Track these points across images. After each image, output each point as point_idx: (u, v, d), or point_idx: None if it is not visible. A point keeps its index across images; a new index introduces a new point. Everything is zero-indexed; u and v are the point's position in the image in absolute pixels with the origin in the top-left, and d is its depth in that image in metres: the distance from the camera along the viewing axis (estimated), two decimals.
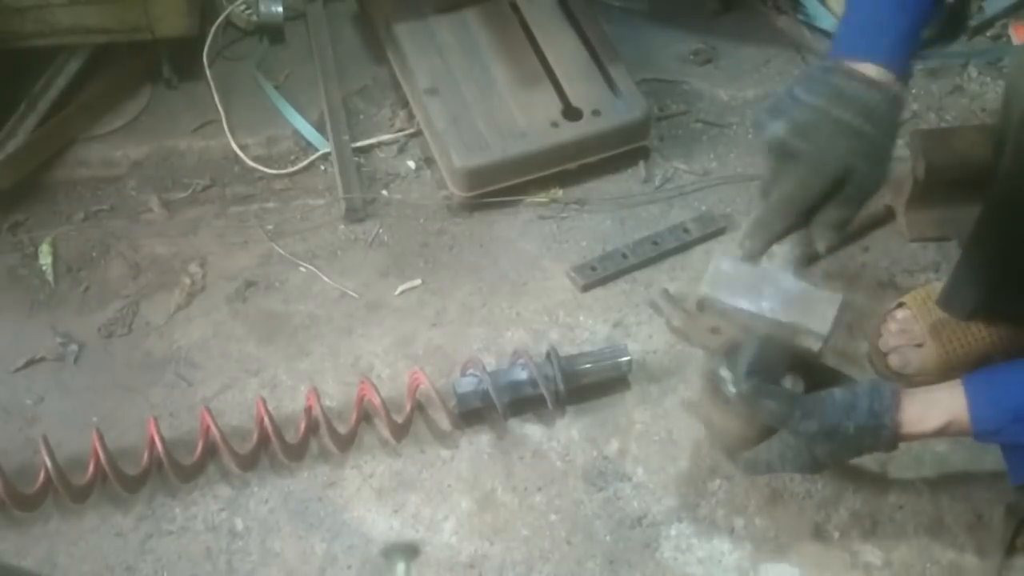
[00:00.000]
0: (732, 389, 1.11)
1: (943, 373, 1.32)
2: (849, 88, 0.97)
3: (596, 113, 1.57)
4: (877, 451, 1.05)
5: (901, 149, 1.31)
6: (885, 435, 1.03)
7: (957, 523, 1.22)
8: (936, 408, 1.03)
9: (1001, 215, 1.16)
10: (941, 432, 1.04)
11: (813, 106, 0.97)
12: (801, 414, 1.04)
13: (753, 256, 1.03)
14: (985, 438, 1.04)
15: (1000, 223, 1.17)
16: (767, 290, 1.03)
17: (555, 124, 1.56)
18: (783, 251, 1.03)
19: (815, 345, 1.03)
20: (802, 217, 1.01)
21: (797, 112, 0.98)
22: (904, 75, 1.00)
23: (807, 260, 1.04)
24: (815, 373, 1.10)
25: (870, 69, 0.98)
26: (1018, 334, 1.32)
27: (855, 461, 1.27)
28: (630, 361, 1.33)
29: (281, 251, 1.52)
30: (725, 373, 1.11)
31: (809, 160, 0.98)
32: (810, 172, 0.98)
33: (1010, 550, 1.20)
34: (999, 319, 1.30)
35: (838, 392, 1.05)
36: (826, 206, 1.00)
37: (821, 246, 1.02)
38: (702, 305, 1.07)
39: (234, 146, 1.64)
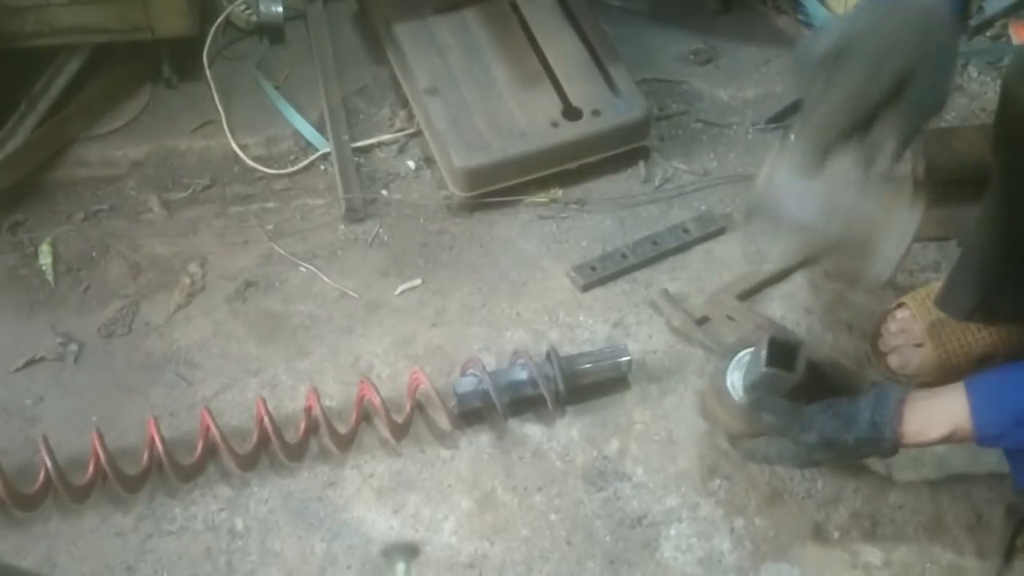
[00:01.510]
0: (735, 397, 1.12)
1: (943, 373, 1.32)
2: (899, 6, 0.90)
3: (596, 113, 1.57)
4: (877, 457, 1.06)
5: None
6: (885, 447, 1.04)
7: (957, 523, 1.22)
8: (939, 417, 1.03)
9: (999, 215, 1.16)
10: (944, 440, 1.04)
11: (871, 10, 0.90)
12: (801, 427, 1.04)
13: (810, 166, 0.91)
14: (989, 443, 1.04)
15: (998, 223, 1.17)
16: (832, 198, 0.89)
17: (555, 124, 1.56)
18: (843, 162, 0.89)
19: (886, 273, 0.90)
20: (864, 120, 0.90)
21: (849, 24, 0.90)
22: (962, 7, 0.94)
23: (874, 172, 0.91)
24: (826, 381, 1.10)
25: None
26: (1018, 334, 1.32)
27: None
28: (630, 361, 1.33)
29: (281, 251, 1.52)
30: (731, 379, 1.12)
31: (873, 52, 0.88)
32: (876, 64, 0.89)
33: (1010, 550, 1.20)
34: (997, 320, 1.30)
35: (839, 403, 1.05)
36: (888, 111, 0.90)
37: (885, 156, 0.91)
38: (751, 214, 0.93)
39: (234, 146, 1.64)
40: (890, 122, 0.89)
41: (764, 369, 1.06)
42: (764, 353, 1.06)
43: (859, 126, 0.90)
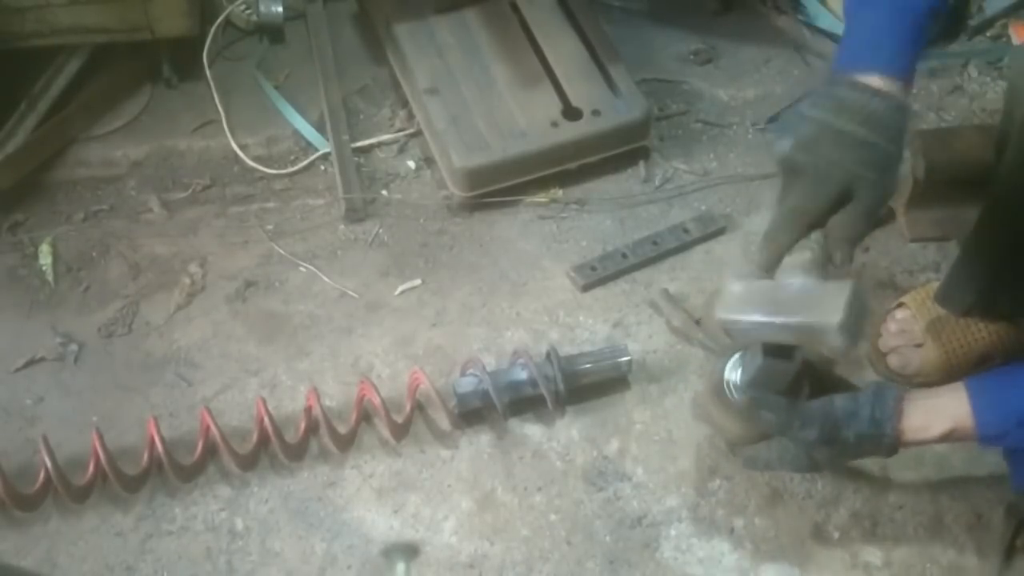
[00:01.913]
0: (734, 395, 1.11)
1: (943, 373, 1.32)
2: (851, 99, 0.98)
3: (596, 113, 1.57)
4: (878, 456, 1.05)
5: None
6: (886, 443, 1.03)
7: (957, 523, 1.22)
8: (939, 414, 1.03)
9: (1001, 213, 1.17)
10: (944, 438, 1.03)
11: (816, 120, 0.98)
12: (800, 424, 1.04)
13: (765, 268, 1.02)
14: (989, 443, 1.04)
15: (1000, 221, 1.17)
16: (780, 298, 1.01)
17: (555, 124, 1.56)
18: (793, 259, 1.01)
19: (838, 341, 0.97)
20: (811, 229, 1.01)
21: (802, 127, 0.99)
22: (908, 80, 1.00)
23: (822, 270, 1.01)
24: (824, 380, 1.10)
25: (874, 80, 0.98)
26: (1018, 333, 1.32)
27: (855, 461, 1.27)
28: (630, 361, 1.33)
29: (281, 251, 1.52)
30: (729, 379, 1.12)
31: (814, 172, 0.98)
32: (815, 184, 0.98)
33: (1010, 550, 1.20)
34: (996, 316, 1.30)
35: (839, 399, 1.05)
36: (838, 218, 1.00)
37: (837, 259, 1.02)
38: (725, 328, 1.05)
39: (234, 146, 1.64)
40: (839, 228, 0.99)
41: (761, 360, 1.06)
42: (761, 344, 1.06)
43: (805, 233, 1.00)
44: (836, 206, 0.99)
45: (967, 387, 1.03)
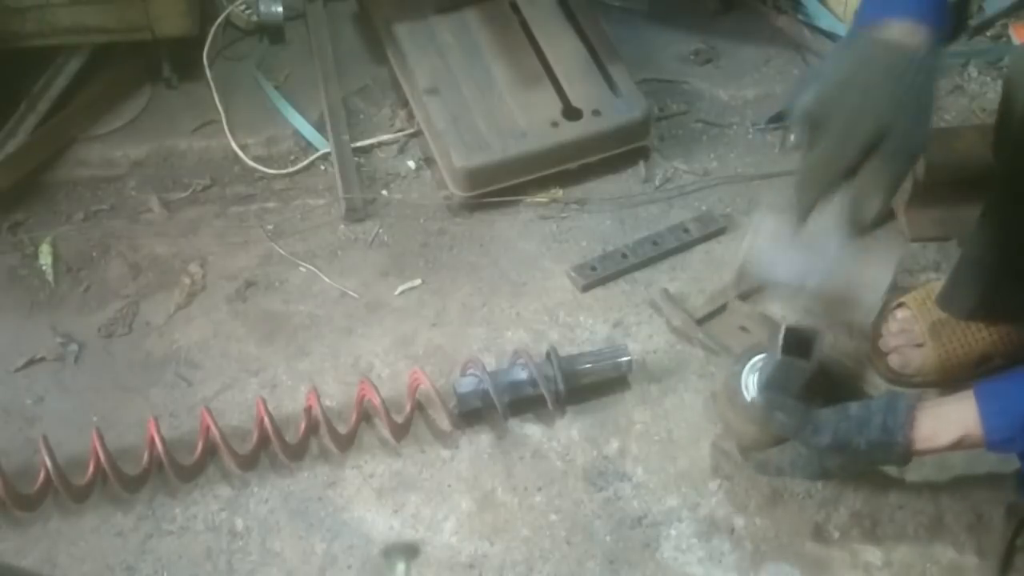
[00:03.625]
0: (748, 397, 1.11)
1: (943, 373, 1.32)
2: (879, 48, 0.93)
3: (596, 113, 1.57)
4: (889, 465, 1.05)
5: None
6: (898, 451, 1.03)
7: (957, 523, 1.22)
8: (949, 422, 1.03)
9: (1001, 215, 1.16)
10: (955, 446, 1.03)
11: (839, 71, 0.93)
12: (813, 428, 1.04)
13: (798, 220, 0.96)
14: (998, 448, 1.04)
15: (1000, 223, 1.17)
16: (811, 258, 0.94)
17: (555, 124, 1.56)
18: (830, 213, 0.94)
19: (867, 319, 0.96)
20: (842, 178, 0.94)
21: (826, 78, 0.94)
22: (942, 29, 0.94)
23: (857, 226, 0.95)
24: (838, 389, 1.10)
25: (894, 28, 0.93)
26: (1019, 334, 1.32)
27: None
28: (630, 361, 1.33)
29: (281, 251, 1.52)
30: (744, 381, 1.11)
31: (842, 122, 0.92)
32: (844, 131, 0.92)
33: (1010, 550, 1.20)
34: (999, 319, 1.30)
35: (852, 407, 1.05)
36: (869, 166, 0.92)
37: (869, 209, 0.94)
38: (742, 273, 1.01)
39: (234, 146, 1.64)
40: (870, 175, 0.92)
41: (780, 357, 1.06)
42: (780, 341, 1.06)
43: (837, 184, 0.93)
44: (870, 150, 0.92)
45: (975, 393, 1.03)
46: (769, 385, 1.10)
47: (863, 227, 0.94)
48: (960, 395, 1.04)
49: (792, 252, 0.96)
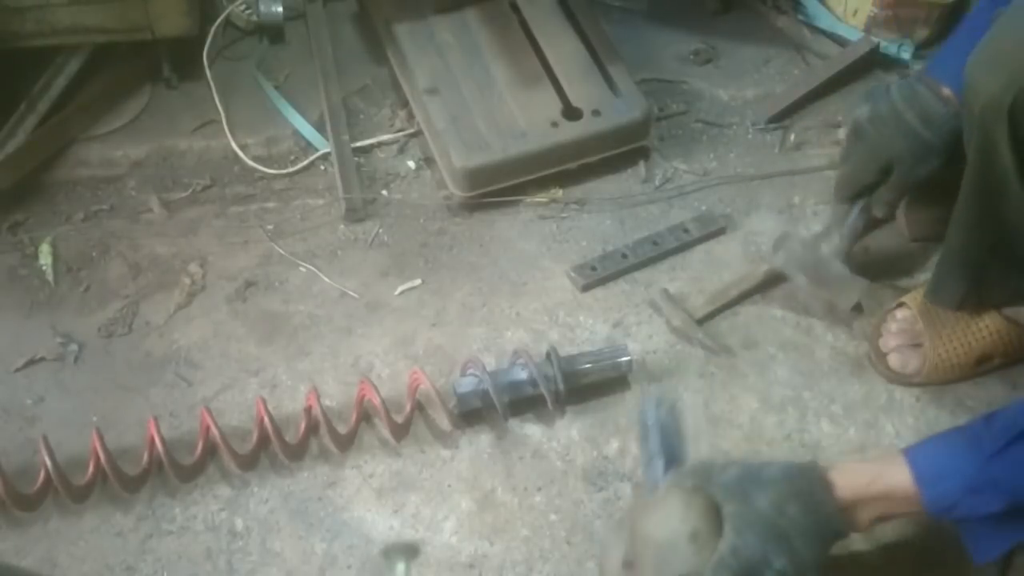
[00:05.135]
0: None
1: (943, 373, 1.32)
2: (923, 97, 1.25)
3: (596, 113, 1.57)
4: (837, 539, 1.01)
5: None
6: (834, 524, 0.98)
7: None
8: (873, 475, 0.98)
9: (975, 203, 1.16)
10: (884, 503, 0.98)
11: (892, 102, 1.26)
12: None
13: (837, 215, 1.38)
14: (938, 513, 0.98)
15: (975, 212, 1.17)
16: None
17: (555, 124, 1.56)
18: (833, 243, 1.38)
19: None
20: (865, 190, 1.33)
21: (879, 103, 1.27)
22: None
23: (865, 230, 1.40)
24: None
25: (946, 90, 1.24)
26: (1018, 332, 1.32)
27: (854, 456, 1.27)
28: (630, 361, 1.33)
29: (281, 251, 1.52)
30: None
31: (870, 145, 1.29)
32: (866, 158, 1.30)
33: (1011, 550, 1.19)
34: (990, 304, 1.30)
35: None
36: (882, 184, 1.31)
37: (877, 213, 1.35)
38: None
39: (234, 146, 1.64)
40: (880, 193, 1.33)
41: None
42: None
43: (860, 192, 1.35)
44: (882, 176, 1.30)
45: (906, 456, 0.98)
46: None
47: (874, 228, 1.44)
48: (888, 457, 0.99)
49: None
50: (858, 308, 1.40)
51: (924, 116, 1.24)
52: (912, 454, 0.98)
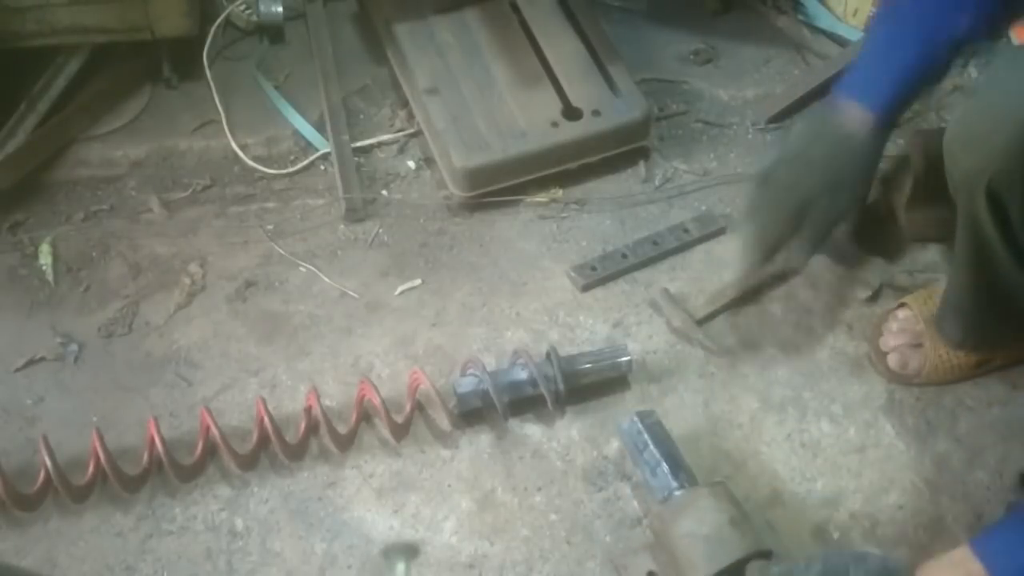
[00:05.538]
0: None
1: (943, 374, 1.32)
2: (829, 127, 1.15)
3: (596, 113, 1.57)
4: None
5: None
6: None
7: (957, 523, 1.22)
8: None
9: (965, 262, 1.17)
10: None
11: (793, 145, 1.17)
12: None
13: (746, 271, 1.29)
14: None
15: (966, 270, 1.18)
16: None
17: (555, 124, 1.56)
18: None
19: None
20: (779, 244, 1.21)
21: (781, 150, 1.18)
22: (886, 117, 1.14)
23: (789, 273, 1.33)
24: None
25: (855, 109, 1.13)
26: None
27: (854, 456, 1.27)
28: (630, 361, 1.33)
29: (281, 251, 1.52)
30: None
31: (778, 192, 1.18)
32: (777, 205, 1.18)
33: None
34: (986, 349, 1.31)
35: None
36: (799, 230, 1.19)
37: (794, 263, 1.25)
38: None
39: (234, 146, 1.64)
40: (801, 232, 1.20)
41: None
42: None
43: (774, 248, 1.22)
44: (798, 223, 1.18)
45: (975, 551, 0.94)
46: None
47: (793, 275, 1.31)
48: (956, 555, 0.96)
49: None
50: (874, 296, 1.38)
51: (834, 147, 1.15)
52: (986, 553, 0.94)
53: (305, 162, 1.64)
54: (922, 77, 1.15)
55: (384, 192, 1.61)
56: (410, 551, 1.20)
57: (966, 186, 1.05)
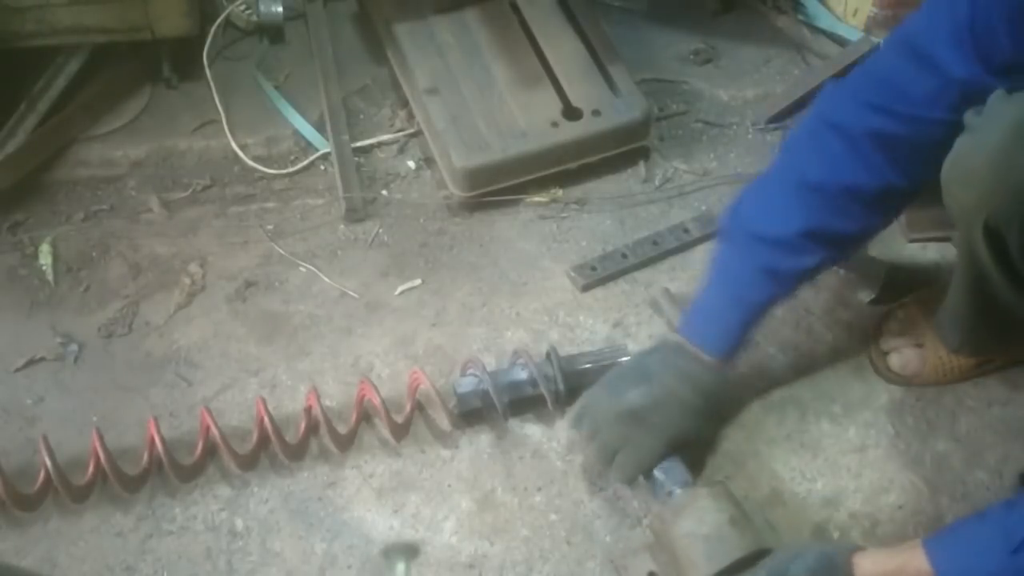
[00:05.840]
0: None
1: (943, 374, 1.32)
2: (690, 370, 1.18)
3: (596, 113, 1.57)
4: None
5: None
6: None
7: None
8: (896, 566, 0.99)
9: (963, 277, 1.17)
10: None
11: (664, 384, 1.18)
12: None
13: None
14: None
15: (964, 284, 1.18)
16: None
17: (555, 124, 1.56)
18: None
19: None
20: (647, 470, 1.20)
21: (650, 387, 1.18)
22: (731, 358, 1.20)
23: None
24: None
25: (703, 354, 1.18)
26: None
27: (854, 456, 1.27)
28: None
29: (281, 251, 1.52)
30: None
31: (655, 429, 1.17)
32: (656, 440, 1.18)
33: None
34: (985, 355, 1.31)
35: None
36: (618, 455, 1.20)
37: (625, 482, 1.22)
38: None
39: (234, 146, 1.64)
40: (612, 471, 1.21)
41: None
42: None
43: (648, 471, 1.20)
44: (609, 458, 1.19)
45: (926, 550, 0.97)
46: None
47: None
48: (908, 548, 0.99)
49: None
50: (878, 298, 1.39)
51: (699, 389, 1.18)
52: (933, 549, 0.97)
53: (305, 162, 1.64)
54: (771, 306, 1.20)
55: (384, 192, 1.61)
56: (410, 551, 1.20)
57: (964, 221, 1.05)
